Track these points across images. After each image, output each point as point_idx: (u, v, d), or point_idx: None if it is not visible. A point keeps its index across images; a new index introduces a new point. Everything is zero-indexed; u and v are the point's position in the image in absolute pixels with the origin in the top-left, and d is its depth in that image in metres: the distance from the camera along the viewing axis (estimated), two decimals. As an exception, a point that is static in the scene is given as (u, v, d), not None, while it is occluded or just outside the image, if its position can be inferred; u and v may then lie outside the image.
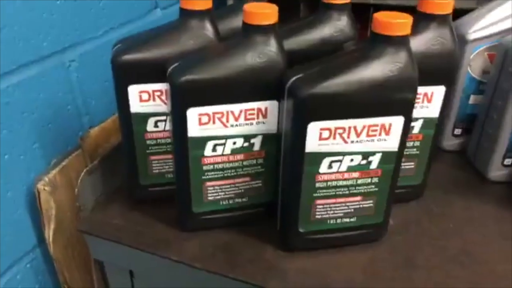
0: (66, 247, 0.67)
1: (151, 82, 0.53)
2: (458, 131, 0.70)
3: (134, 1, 0.76)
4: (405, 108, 0.46)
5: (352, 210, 0.51)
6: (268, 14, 0.46)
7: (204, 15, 0.51)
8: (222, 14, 0.59)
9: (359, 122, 0.45)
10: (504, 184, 0.64)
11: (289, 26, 0.57)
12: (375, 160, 0.48)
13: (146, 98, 0.54)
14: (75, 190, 0.62)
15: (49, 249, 0.64)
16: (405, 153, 0.54)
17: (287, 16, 0.58)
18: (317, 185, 0.48)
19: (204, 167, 0.51)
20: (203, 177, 0.52)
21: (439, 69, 0.52)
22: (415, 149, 0.57)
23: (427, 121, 0.55)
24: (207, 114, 0.48)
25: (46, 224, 0.63)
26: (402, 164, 0.55)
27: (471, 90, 0.67)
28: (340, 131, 0.45)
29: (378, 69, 0.43)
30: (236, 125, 0.50)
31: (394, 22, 0.42)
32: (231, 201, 0.55)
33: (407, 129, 0.47)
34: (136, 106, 0.54)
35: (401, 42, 0.43)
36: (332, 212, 0.50)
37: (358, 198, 0.50)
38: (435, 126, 0.56)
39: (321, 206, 0.50)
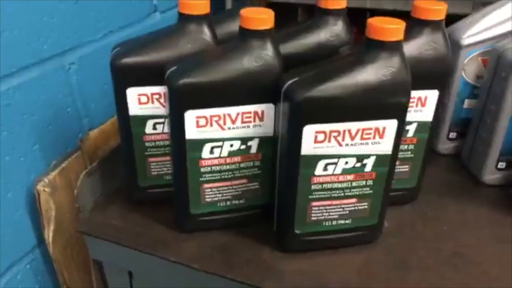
0: (65, 247, 0.67)
1: (150, 85, 0.53)
2: (453, 135, 0.71)
3: (133, 4, 0.77)
4: (398, 112, 0.46)
5: (347, 212, 0.52)
6: (265, 19, 0.47)
7: (202, 20, 0.52)
8: (220, 18, 0.60)
9: (354, 126, 0.46)
10: (498, 187, 0.65)
11: (286, 31, 0.58)
12: (369, 163, 0.49)
13: (144, 101, 0.54)
14: (74, 191, 0.63)
15: (48, 250, 0.64)
16: (399, 156, 0.55)
17: (285, 21, 0.58)
18: (313, 187, 0.49)
19: (202, 169, 0.52)
20: (200, 179, 0.53)
21: (432, 73, 0.53)
22: (409, 152, 0.58)
23: (421, 125, 0.56)
24: (205, 117, 0.49)
25: (46, 225, 0.63)
26: (397, 167, 0.56)
27: (465, 95, 0.68)
28: (335, 134, 0.46)
29: (372, 73, 0.44)
30: (233, 128, 0.50)
31: (387, 28, 0.43)
32: (228, 203, 0.55)
33: (400, 132, 0.48)
34: (134, 108, 0.55)
35: (394, 47, 0.44)
36: (327, 214, 0.51)
37: (353, 200, 0.51)
38: (429, 129, 0.57)
39: (316, 208, 0.50)
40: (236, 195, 0.55)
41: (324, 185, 0.49)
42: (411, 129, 0.56)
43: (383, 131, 0.47)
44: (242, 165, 0.53)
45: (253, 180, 0.55)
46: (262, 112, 0.50)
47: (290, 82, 0.46)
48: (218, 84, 0.47)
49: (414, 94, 0.53)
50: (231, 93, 0.49)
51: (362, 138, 0.47)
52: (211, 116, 0.49)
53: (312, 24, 0.57)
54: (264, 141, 0.52)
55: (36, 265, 0.67)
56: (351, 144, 0.47)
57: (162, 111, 0.55)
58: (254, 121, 0.51)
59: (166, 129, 0.57)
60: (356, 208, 0.51)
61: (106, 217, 0.60)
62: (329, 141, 0.46)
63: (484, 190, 0.65)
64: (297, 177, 0.48)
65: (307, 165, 0.47)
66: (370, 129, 0.46)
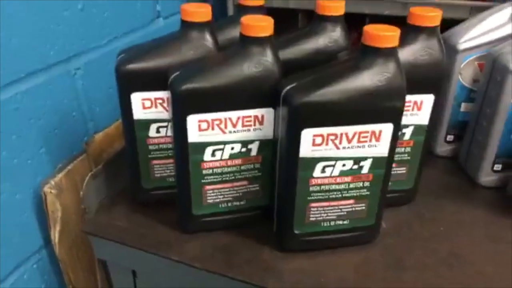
0: (71, 248, 0.68)
1: (153, 90, 0.55)
2: (450, 138, 0.73)
3: (137, 11, 0.78)
4: (394, 116, 0.48)
5: (345, 213, 0.53)
6: (264, 27, 0.48)
7: (204, 27, 0.54)
8: (222, 24, 0.62)
9: (351, 129, 0.47)
10: (494, 189, 0.66)
11: (286, 36, 0.59)
12: (366, 165, 0.50)
13: (148, 105, 0.56)
14: (80, 193, 0.64)
15: (55, 250, 0.66)
16: (396, 158, 0.57)
17: (286, 27, 0.60)
18: (311, 188, 0.50)
19: (204, 171, 0.53)
20: (202, 181, 0.54)
21: (427, 78, 0.54)
22: (406, 155, 0.59)
23: (417, 128, 0.57)
24: (207, 121, 0.50)
25: (52, 226, 0.65)
26: (394, 169, 0.58)
27: (462, 98, 0.69)
28: (332, 137, 0.47)
29: (367, 79, 0.46)
30: (234, 131, 0.52)
31: (382, 35, 0.45)
32: (229, 204, 0.57)
33: (396, 135, 0.49)
34: (139, 112, 0.56)
35: (390, 53, 0.46)
36: (325, 214, 0.53)
37: (351, 201, 0.52)
38: (425, 132, 0.58)
39: (315, 209, 0.52)
40: (237, 196, 0.57)
41: (322, 187, 0.50)
42: (407, 132, 0.57)
43: (379, 134, 0.48)
44: (242, 167, 0.55)
45: (254, 182, 0.56)
46: (262, 116, 0.52)
47: (288, 87, 0.47)
48: (219, 89, 0.49)
49: (410, 98, 0.55)
50: (232, 98, 0.50)
51: (359, 141, 0.48)
52: (213, 120, 0.50)
53: (311, 31, 0.58)
54: (264, 144, 0.54)
55: (43, 265, 0.68)
56: (348, 147, 0.48)
57: (165, 115, 0.57)
58: (254, 124, 0.52)
59: (169, 133, 0.58)
60: (353, 209, 0.53)
61: (110, 218, 0.61)
62: (327, 144, 0.48)
63: (481, 191, 0.66)
64: (296, 179, 0.49)
65: (306, 168, 0.49)
66: (367, 132, 0.48)
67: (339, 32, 0.57)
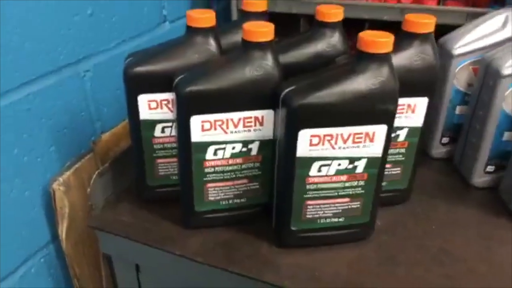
0: (77, 243, 0.71)
1: (159, 91, 0.57)
2: (445, 140, 0.74)
3: (144, 15, 0.80)
4: (387, 118, 0.50)
5: (341, 210, 0.55)
6: (265, 32, 0.51)
7: (208, 32, 0.56)
8: (225, 29, 0.64)
9: (346, 130, 0.50)
10: (487, 189, 0.68)
11: (287, 41, 0.61)
12: (360, 165, 0.52)
13: (154, 106, 0.58)
14: (87, 190, 0.66)
15: (61, 245, 0.68)
16: (391, 159, 0.59)
17: (288, 31, 0.62)
18: (308, 187, 0.52)
19: (206, 170, 0.56)
20: (204, 179, 0.56)
21: (421, 82, 0.56)
22: (401, 156, 0.61)
23: (411, 130, 0.59)
24: (209, 121, 0.53)
25: (60, 222, 0.67)
26: (389, 169, 0.60)
27: (457, 101, 0.71)
28: (329, 138, 0.50)
29: (362, 82, 0.48)
30: (236, 132, 0.54)
31: (376, 41, 0.47)
32: (230, 201, 0.59)
33: (389, 136, 0.51)
34: (145, 113, 0.58)
35: (383, 58, 0.48)
36: (322, 212, 0.55)
37: (346, 199, 0.54)
38: (420, 134, 0.60)
39: (311, 207, 0.54)
40: (237, 194, 0.59)
41: (319, 185, 0.53)
42: (402, 134, 0.59)
43: (373, 135, 0.50)
44: (243, 166, 0.57)
45: (254, 180, 0.58)
46: (262, 117, 0.54)
47: (287, 89, 0.50)
48: (222, 91, 0.51)
49: (405, 101, 0.57)
50: (234, 100, 0.52)
51: (353, 142, 0.50)
52: (215, 121, 0.53)
53: (311, 36, 0.61)
54: (264, 144, 0.56)
55: (50, 259, 0.70)
56: (344, 147, 0.51)
57: (170, 115, 0.59)
58: (255, 125, 0.54)
59: (173, 133, 0.60)
60: (348, 207, 0.55)
61: (116, 214, 0.63)
62: (323, 144, 0.50)
63: (474, 192, 0.68)
64: (293, 178, 0.52)
65: (303, 167, 0.51)
66: (361, 133, 0.50)
67: (337, 37, 0.60)
